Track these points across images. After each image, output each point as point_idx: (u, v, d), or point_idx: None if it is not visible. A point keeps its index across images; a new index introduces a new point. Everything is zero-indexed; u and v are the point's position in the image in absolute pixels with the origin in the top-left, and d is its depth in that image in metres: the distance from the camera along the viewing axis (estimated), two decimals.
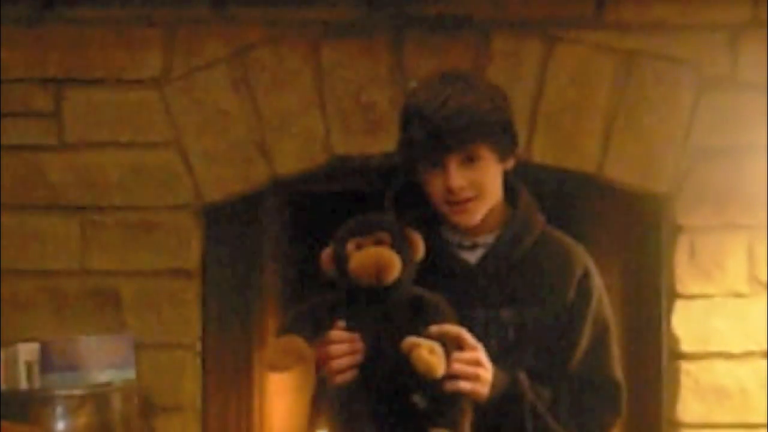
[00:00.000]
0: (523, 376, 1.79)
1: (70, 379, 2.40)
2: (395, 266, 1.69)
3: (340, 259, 1.72)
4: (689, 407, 2.65)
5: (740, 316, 2.65)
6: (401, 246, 1.72)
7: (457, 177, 1.79)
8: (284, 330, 1.73)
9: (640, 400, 2.78)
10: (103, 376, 2.43)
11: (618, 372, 1.88)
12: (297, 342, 1.68)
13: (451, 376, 1.68)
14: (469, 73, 1.98)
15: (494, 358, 1.77)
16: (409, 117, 1.82)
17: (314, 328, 1.71)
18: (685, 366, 2.66)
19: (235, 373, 3.14)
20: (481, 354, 1.73)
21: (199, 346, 2.73)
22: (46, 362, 2.40)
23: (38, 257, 2.70)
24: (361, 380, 1.68)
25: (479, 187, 1.81)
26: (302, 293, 3.76)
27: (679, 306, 2.67)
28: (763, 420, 2.62)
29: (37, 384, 2.40)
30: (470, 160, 1.79)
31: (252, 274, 3.33)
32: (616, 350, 1.89)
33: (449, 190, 1.79)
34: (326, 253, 1.77)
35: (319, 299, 1.78)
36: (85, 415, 2.33)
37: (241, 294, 3.18)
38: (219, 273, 2.88)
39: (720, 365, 2.65)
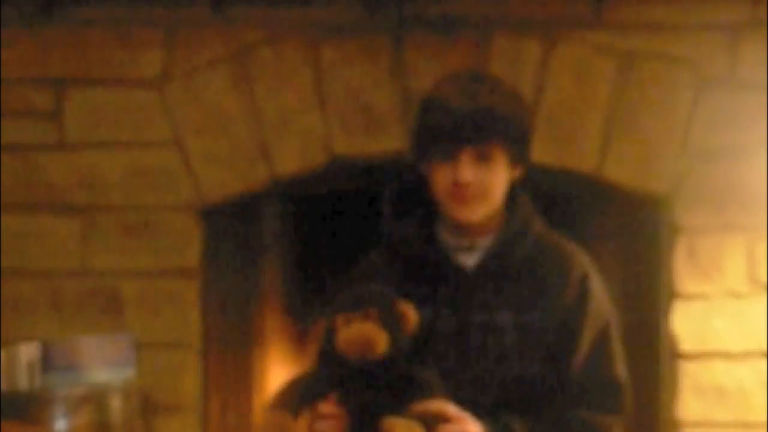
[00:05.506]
0: (518, 427, 1.77)
1: (70, 379, 2.39)
2: (380, 342, 1.69)
3: (330, 334, 1.74)
4: (689, 406, 2.65)
5: (739, 316, 2.65)
6: (390, 321, 1.72)
7: (467, 171, 1.79)
8: (273, 404, 1.75)
9: (640, 399, 2.78)
10: (103, 376, 2.43)
11: (621, 373, 1.87)
12: (281, 417, 1.71)
13: None
14: (497, 77, 1.98)
15: (492, 364, 1.77)
16: (431, 105, 1.83)
17: (302, 403, 1.73)
18: (685, 365, 2.66)
19: (235, 373, 3.14)
20: (469, 424, 1.72)
21: (199, 346, 2.73)
22: (47, 362, 2.40)
23: (38, 257, 2.70)
24: None
25: (486, 187, 1.81)
26: (302, 293, 3.77)
27: (679, 306, 2.67)
28: (762, 419, 2.62)
29: (37, 384, 2.40)
30: (482, 158, 1.80)
31: (252, 274, 3.33)
32: (618, 352, 1.88)
33: (456, 183, 1.80)
34: (320, 328, 1.79)
35: (310, 374, 1.80)
36: (85, 415, 2.32)
37: (241, 294, 3.18)
38: (219, 273, 2.88)
39: (719, 365, 2.65)
